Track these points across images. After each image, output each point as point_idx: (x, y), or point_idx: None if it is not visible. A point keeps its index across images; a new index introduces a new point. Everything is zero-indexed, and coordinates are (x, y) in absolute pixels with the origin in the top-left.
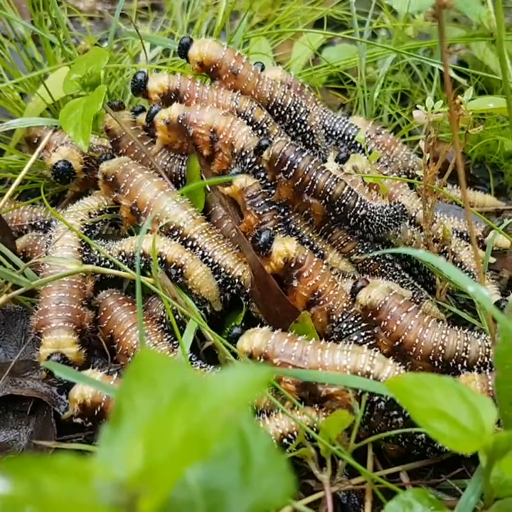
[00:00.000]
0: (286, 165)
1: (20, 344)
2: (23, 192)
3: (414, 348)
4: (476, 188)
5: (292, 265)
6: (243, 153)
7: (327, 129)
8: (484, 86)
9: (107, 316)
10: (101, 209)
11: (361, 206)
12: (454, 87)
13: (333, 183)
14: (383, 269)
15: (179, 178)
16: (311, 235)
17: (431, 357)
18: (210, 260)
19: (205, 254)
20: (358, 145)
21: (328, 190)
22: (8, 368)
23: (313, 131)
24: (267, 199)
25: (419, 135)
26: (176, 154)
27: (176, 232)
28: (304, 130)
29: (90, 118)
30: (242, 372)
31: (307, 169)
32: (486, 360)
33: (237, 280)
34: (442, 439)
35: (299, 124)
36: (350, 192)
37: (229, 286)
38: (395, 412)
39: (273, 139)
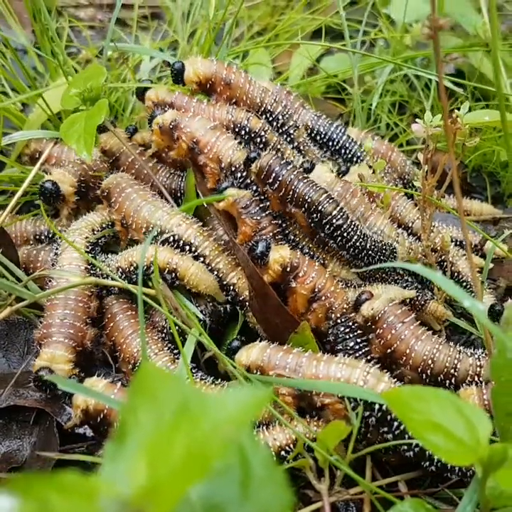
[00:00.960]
0: (271, 177)
1: (23, 355)
2: (25, 203)
3: (404, 358)
4: (473, 197)
5: (288, 269)
6: (232, 169)
7: (321, 136)
8: (480, 94)
9: (110, 322)
10: (104, 225)
11: (339, 216)
12: (450, 96)
13: (311, 190)
14: (384, 275)
15: (178, 194)
16: (310, 245)
17: (419, 369)
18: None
19: (199, 255)
20: (353, 154)
21: (306, 197)
22: (12, 379)
23: (301, 147)
24: (260, 205)
25: (416, 144)
26: (175, 171)
27: (172, 239)
28: (292, 144)
29: (93, 130)
30: (243, 392)
31: (289, 179)
32: (476, 379)
33: (231, 287)
34: (438, 451)
35: (285, 136)
36: (328, 200)
37: (224, 292)
38: (386, 429)
39: (262, 150)
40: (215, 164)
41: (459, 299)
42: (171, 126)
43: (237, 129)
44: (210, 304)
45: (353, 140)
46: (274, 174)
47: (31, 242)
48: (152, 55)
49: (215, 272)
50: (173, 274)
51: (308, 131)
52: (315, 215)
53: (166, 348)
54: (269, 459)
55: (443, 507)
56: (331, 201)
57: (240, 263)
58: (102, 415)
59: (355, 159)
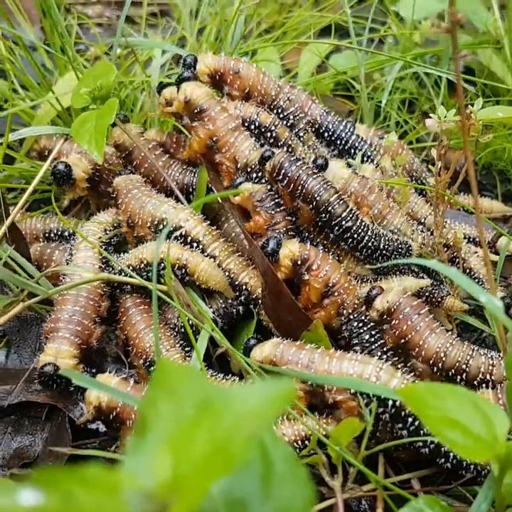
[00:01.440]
0: (282, 174)
1: (35, 351)
2: (34, 201)
3: (417, 349)
4: (484, 195)
5: (299, 263)
6: (248, 169)
7: (330, 133)
8: (491, 92)
9: (123, 316)
10: (115, 224)
11: (349, 218)
12: None
13: (321, 189)
14: (398, 272)
15: (191, 190)
16: (325, 242)
17: (431, 361)
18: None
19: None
20: (363, 154)
21: (316, 195)
22: (24, 375)
23: (311, 150)
24: (276, 200)
25: (426, 142)
26: (188, 166)
27: (179, 234)
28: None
29: (104, 130)
30: (266, 387)
31: (298, 175)
32: (487, 377)
33: (244, 287)
34: (455, 447)
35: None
36: (338, 201)
37: (237, 292)
38: (400, 425)
39: (273, 145)
40: (232, 164)
41: (474, 295)
42: (195, 110)
43: (246, 124)
44: (223, 305)
45: (363, 139)
46: (283, 171)
47: (41, 240)
48: (164, 49)
49: (227, 273)
50: (183, 270)
51: (317, 127)
52: (324, 215)
53: (178, 345)
54: (290, 454)
55: (456, 504)
56: (341, 202)
57: (255, 259)
58: (114, 412)
59: (365, 159)
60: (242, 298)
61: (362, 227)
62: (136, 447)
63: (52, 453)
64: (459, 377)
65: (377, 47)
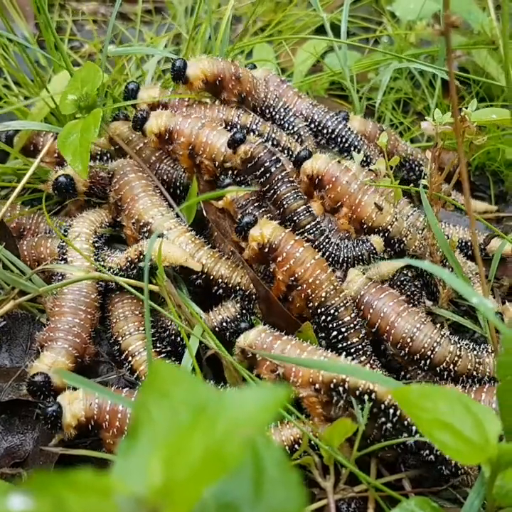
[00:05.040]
0: (260, 170)
1: (26, 350)
2: (30, 200)
3: (386, 335)
4: (477, 196)
5: (266, 250)
6: (225, 166)
7: (316, 124)
8: (485, 93)
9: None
10: (104, 224)
11: (312, 230)
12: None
13: (291, 197)
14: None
15: (178, 184)
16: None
17: (398, 345)
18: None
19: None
20: (350, 143)
21: (285, 202)
22: (15, 374)
23: (301, 133)
24: (256, 204)
25: (420, 142)
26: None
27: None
28: (293, 131)
29: (88, 145)
30: (261, 392)
31: (276, 178)
32: (451, 367)
33: (237, 287)
34: (446, 449)
35: (287, 125)
36: (305, 212)
37: (233, 294)
38: (383, 419)
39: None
40: (210, 162)
41: (466, 296)
42: (166, 137)
43: (229, 127)
44: (231, 316)
45: (350, 128)
46: (262, 168)
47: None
48: (153, 54)
49: (219, 280)
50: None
51: (304, 120)
52: (289, 223)
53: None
54: (282, 458)
55: (447, 506)
56: (307, 214)
57: (244, 269)
58: (92, 421)
59: (352, 148)
60: (239, 297)
61: (324, 242)
62: (128, 450)
63: (43, 452)
64: (422, 362)
65: (372, 47)
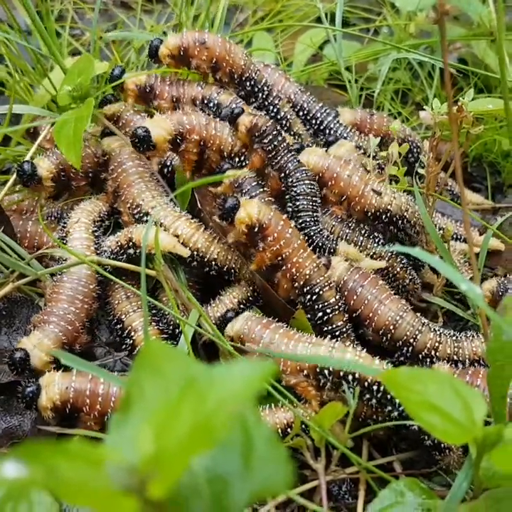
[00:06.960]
0: (268, 138)
1: (25, 332)
2: None
3: (368, 321)
4: (473, 187)
5: (256, 230)
6: (232, 155)
7: (304, 112)
8: (483, 84)
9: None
10: (102, 214)
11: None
12: (453, 86)
13: (295, 162)
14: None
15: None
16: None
17: (381, 332)
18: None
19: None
20: (339, 135)
21: (287, 170)
22: None
23: (288, 116)
24: (254, 183)
25: (419, 132)
26: None
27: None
28: (278, 116)
29: (80, 135)
30: (248, 367)
31: (281, 146)
32: (432, 353)
33: (213, 263)
34: (434, 430)
35: (271, 107)
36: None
37: (207, 269)
38: (368, 395)
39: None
40: (217, 154)
41: (456, 283)
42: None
43: (209, 105)
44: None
45: (338, 120)
46: (270, 137)
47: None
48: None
49: (213, 263)
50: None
51: (291, 106)
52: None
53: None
54: (271, 435)
55: (436, 488)
56: (308, 183)
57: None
58: (69, 404)
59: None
60: (214, 272)
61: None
62: (119, 423)
63: (41, 432)
64: (404, 349)
65: (372, 37)
